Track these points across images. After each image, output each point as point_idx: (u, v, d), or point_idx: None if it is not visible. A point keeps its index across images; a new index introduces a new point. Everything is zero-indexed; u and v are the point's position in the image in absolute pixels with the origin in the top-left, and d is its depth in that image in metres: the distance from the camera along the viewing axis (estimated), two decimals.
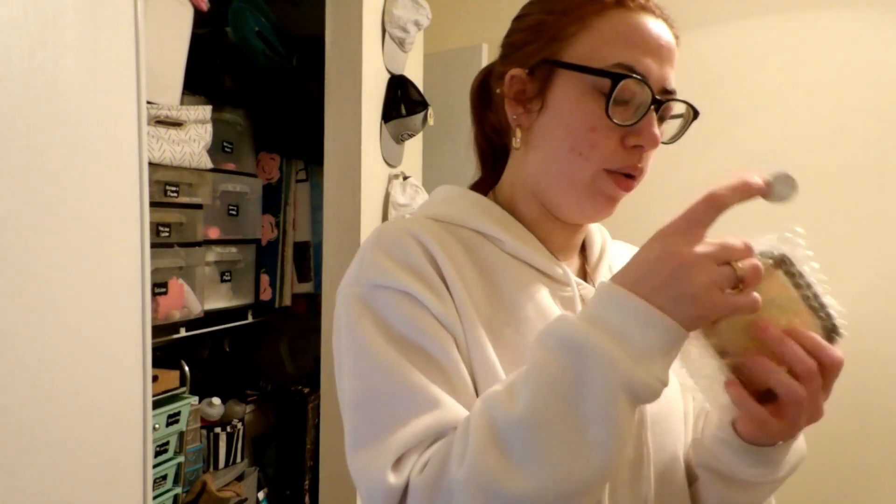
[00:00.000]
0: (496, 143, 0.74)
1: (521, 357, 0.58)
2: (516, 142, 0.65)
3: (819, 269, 0.52)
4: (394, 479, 0.49)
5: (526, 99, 0.65)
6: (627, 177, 0.62)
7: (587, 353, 0.46)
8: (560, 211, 0.66)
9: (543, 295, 0.63)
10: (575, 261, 0.72)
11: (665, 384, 0.47)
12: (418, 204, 1.77)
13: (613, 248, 0.77)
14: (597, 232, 0.76)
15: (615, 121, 0.58)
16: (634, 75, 0.58)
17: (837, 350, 0.50)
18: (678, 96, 0.62)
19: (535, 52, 0.63)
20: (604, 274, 0.72)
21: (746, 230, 0.49)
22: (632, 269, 0.49)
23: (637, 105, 0.59)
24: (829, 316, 0.51)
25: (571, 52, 0.61)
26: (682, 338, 0.47)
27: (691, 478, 0.67)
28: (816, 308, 0.51)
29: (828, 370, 0.49)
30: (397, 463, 0.50)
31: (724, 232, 0.49)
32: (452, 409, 0.53)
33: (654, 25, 0.60)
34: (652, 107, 0.59)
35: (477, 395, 0.56)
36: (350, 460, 0.53)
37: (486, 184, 0.75)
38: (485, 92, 0.74)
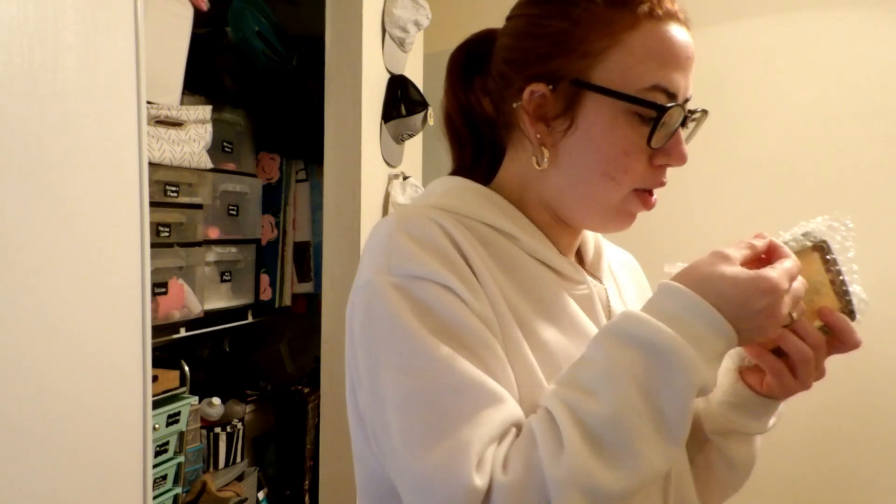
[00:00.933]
0: (485, 131, 0.70)
1: (553, 355, 0.58)
2: (542, 161, 0.61)
3: (853, 259, 0.59)
4: (479, 479, 0.46)
5: (548, 117, 0.61)
6: (648, 192, 0.63)
7: (672, 356, 0.49)
8: (580, 225, 0.66)
9: (563, 294, 0.62)
10: (573, 259, 0.72)
11: (715, 385, 0.52)
12: None
13: (607, 247, 0.77)
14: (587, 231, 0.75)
15: (653, 146, 0.58)
16: (675, 104, 0.58)
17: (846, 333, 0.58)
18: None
19: (559, 67, 0.59)
20: (605, 273, 0.72)
21: (785, 220, 0.57)
22: (728, 304, 0.52)
23: (668, 125, 0.59)
24: (849, 302, 0.59)
25: (603, 73, 0.58)
26: (733, 347, 0.53)
27: (692, 451, 0.71)
28: (841, 293, 0.59)
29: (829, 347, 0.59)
30: (479, 464, 0.47)
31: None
32: (513, 403, 0.52)
33: (680, 34, 0.59)
34: (680, 125, 0.60)
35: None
36: (413, 464, 0.49)
37: (471, 174, 0.70)
38: (470, 69, 0.69)
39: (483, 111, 0.68)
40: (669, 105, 0.57)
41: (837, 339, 0.58)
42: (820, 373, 0.59)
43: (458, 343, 0.52)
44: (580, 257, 0.73)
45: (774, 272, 0.52)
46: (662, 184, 0.62)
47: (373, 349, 0.54)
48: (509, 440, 0.50)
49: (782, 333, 0.57)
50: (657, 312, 0.51)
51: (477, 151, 0.72)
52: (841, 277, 0.59)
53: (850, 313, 0.59)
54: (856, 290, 0.59)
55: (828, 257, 0.59)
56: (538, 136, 0.61)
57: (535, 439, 0.48)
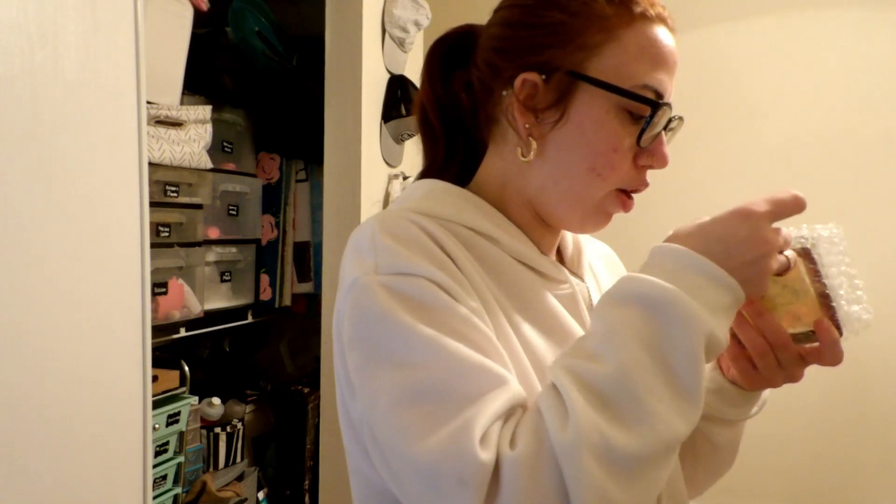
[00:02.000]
0: (467, 125, 0.69)
1: (539, 356, 0.57)
2: (528, 153, 0.61)
3: (852, 265, 0.58)
4: (484, 454, 0.44)
5: (538, 107, 0.60)
6: (627, 193, 0.62)
7: (670, 307, 0.48)
8: (559, 223, 0.66)
9: (546, 294, 0.62)
10: (553, 258, 0.71)
11: (727, 342, 0.51)
12: None
13: (586, 243, 0.76)
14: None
15: (642, 145, 0.59)
16: (665, 101, 0.58)
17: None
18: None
19: (554, 57, 0.59)
20: (586, 270, 0.72)
21: (784, 221, 0.56)
22: (715, 242, 0.52)
23: (656, 125, 0.59)
24: (833, 316, 0.57)
25: (598, 66, 0.58)
26: (741, 304, 0.52)
27: None
28: (826, 305, 0.57)
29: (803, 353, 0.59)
30: (483, 439, 0.45)
31: None
32: (517, 384, 0.50)
33: (667, 38, 0.60)
34: (663, 128, 0.60)
35: None
36: (416, 453, 0.46)
37: (443, 174, 0.69)
38: (449, 63, 0.68)
39: (462, 105, 0.67)
40: (662, 103, 0.58)
41: (819, 349, 0.57)
42: (790, 376, 0.59)
43: (453, 332, 0.51)
44: (560, 256, 0.73)
45: (752, 202, 0.53)
46: (645, 185, 0.62)
47: (365, 349, 0.52)
48: (516, 419, 0.48)
49: (740, 322, 0.58)
50: (651, 271, 0.51)
51: (450, 150, 0.70)
52: (827, 288, 0.57)
53: (836, 326, 0.57)
54: (852, 309, 0.57)
55: (813, 266, 0.57)
56: (526, 126, 0.60)
57: (541, 411, 0.47)
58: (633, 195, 0.63)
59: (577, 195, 0.61)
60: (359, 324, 0.53)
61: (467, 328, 0.51)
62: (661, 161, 0.61)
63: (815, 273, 0.57)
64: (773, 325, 0.57)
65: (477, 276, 0.57)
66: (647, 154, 0.60)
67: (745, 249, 0.51)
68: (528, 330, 0.58)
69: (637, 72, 0.58)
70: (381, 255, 0.54)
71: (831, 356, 0.57)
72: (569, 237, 0.74)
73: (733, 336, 0.59)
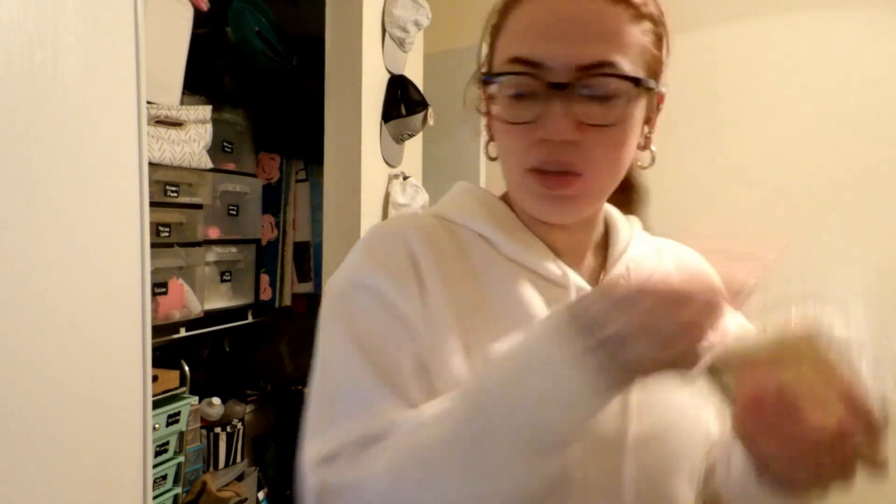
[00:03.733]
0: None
1: None
2: (489, 154, 0.66)
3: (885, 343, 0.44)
4: (312, 476, 0.52)
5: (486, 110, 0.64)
6: (561, 174, 0.56)
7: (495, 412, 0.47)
8: (532, 214, 0.63)
9: (535, 300, 0.59)
10: (589, 261, 0.66)
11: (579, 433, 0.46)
12: (418, 204, 1.77)
13: (639, 246, 0.68)
14: (624, 229, 0.68)
15: (509, 120, 0.57)
16: (514, 69, 0.55)
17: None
18: (663, 87, 0.60)
19: (485, 61, 0.63)
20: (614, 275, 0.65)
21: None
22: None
23: (538, 95, 0.55)
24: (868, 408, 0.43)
25: (495, 58, 0.61)
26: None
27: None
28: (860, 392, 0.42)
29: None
30: (324, 461, 0.52)
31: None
32: (388, 414, 0.52)
33: (563, 6, 0.55)
34: (554, 92, 0.54)
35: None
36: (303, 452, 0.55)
37: None
38: None
39: None
40: (494, 73, 0.59)
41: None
42: (818, 477, 0.46)
43: (370, 347, 0.55)
44: (604, 256, 0.67)
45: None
46: (551, 162, 0.56)
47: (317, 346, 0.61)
48: (368, 449, 0.52)
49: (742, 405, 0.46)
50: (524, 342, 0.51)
51: None
52: (853, 372, 0.42)
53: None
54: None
55: (824, 341, 0.44)
56: (486, 127, 0.65)
57: (379, 450, 0.51)
58: (575, 175, 0.56)
59: (510, 183, 0.63)
60: (320, 324, 0.61)
61: (386, 344, 0.56)
62: (550, 131, 0.54)
63: (832, 350, 0.43)
64: (770, 382, 0.44)
65: (444, 290, 0.57)
66: (540, 127, 0.55)
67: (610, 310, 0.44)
68: (491, 343, 0.56)
69: (507, 51, 0.58)
70: (347, 264, 0.61)
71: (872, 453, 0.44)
72: (621, 242, 0.67)
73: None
